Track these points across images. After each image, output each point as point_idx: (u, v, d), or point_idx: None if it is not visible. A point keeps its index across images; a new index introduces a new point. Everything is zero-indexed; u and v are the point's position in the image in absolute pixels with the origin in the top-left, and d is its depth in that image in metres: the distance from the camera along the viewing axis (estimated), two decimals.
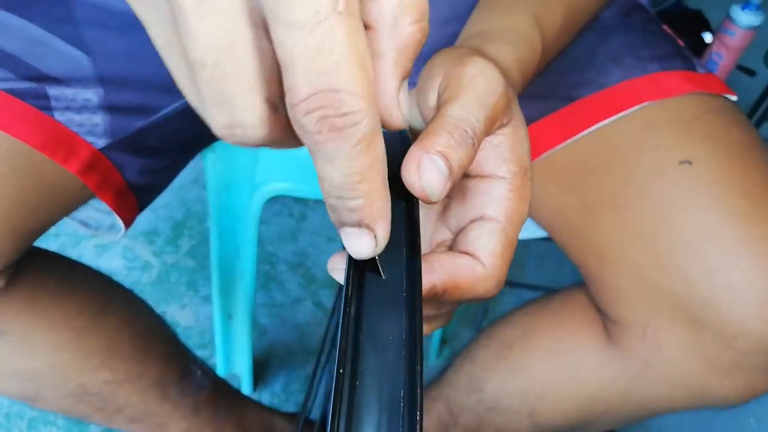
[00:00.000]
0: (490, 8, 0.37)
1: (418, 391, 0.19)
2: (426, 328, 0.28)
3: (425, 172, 0.23)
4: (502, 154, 0.27)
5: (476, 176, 0.28)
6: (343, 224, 0.20)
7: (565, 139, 0.47)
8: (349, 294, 0.22)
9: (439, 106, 0.26)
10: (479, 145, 0.25)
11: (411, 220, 0.24)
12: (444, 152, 0.24)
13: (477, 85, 0.26)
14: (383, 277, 0.22)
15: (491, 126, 0.26)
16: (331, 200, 0.20)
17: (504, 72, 0.30)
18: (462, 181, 0.28)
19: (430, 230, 0.30)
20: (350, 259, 0.23)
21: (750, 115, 1.01)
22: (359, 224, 0.20)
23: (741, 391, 0.44)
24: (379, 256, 0.22)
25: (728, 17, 0.97)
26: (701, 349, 0.43)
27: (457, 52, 0.29)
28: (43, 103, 0.43)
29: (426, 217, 0.30)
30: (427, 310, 0.27)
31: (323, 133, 0.17)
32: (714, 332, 0.42)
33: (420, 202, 0.26)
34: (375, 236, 0.20)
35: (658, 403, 0.49)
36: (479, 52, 0.29)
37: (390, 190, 0.24)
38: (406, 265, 0.23)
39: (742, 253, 0.41)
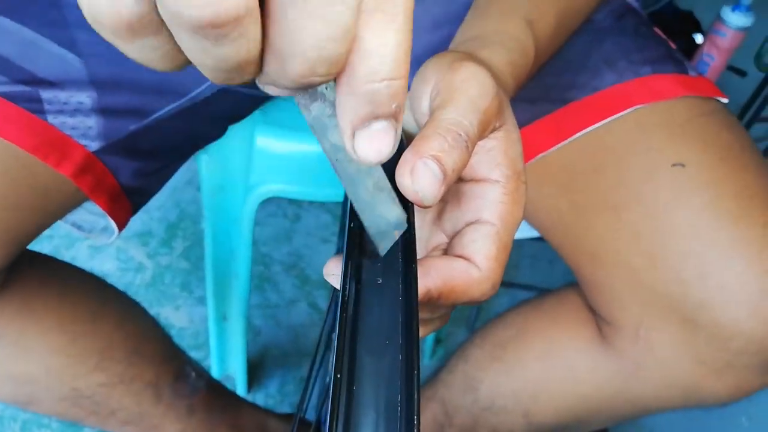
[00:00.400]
0: (483, 13, 0.37)
1: (415, 395, 0.19)
2: (422, 331, 0.28)
3: (419, 177, 0.23)
4: (495, 158, 0.27)
5: (470, 180, 0.28)
6: (379, 117, 0.18)
7: (559, 142, 0.47)
8: (346, 298, 0.22)
9: (432, 111, 0.26)
10: (473, 149, 0.25)
11: (408, 221, 0.25)
12: (438, 156, 0.24)
13: (469, 89, 0.26)
14: (381, 256, 0.22)
15: (484, 130, 0.26)
16: (377, 85, 0.18)
17: (496, 76, 0.31)
18: (456, 185, 0.28)
19: (425, 234, 0.30)
20: (346, 263, 0.23)
21: (741, 115, 1.02)
22: (394, 115, 0.19)
23: (733, 390, 0.45)
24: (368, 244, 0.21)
25: (719, 18, 0.97)
26: (694, 349, 0.44)
27: (449, 57, 0.29)
28: (36, 107, 0.43)
29: (422, 221, 0.30)
30: (422, 314, 0.27)
31: None
32: (707, 333, 0.42)
33: (415, 207, 0.26)
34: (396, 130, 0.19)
35: (651, 402, 0.49)
36: (471, 57, 0.30)
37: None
38: (401, 269, 0.23)
39: (736, 255, 0.41)
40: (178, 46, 0.17)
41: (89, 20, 0.16)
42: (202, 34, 0.15)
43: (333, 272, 0.25)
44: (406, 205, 0.25)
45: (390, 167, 0.25)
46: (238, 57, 0.16)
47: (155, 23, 0.16)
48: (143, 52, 0.17)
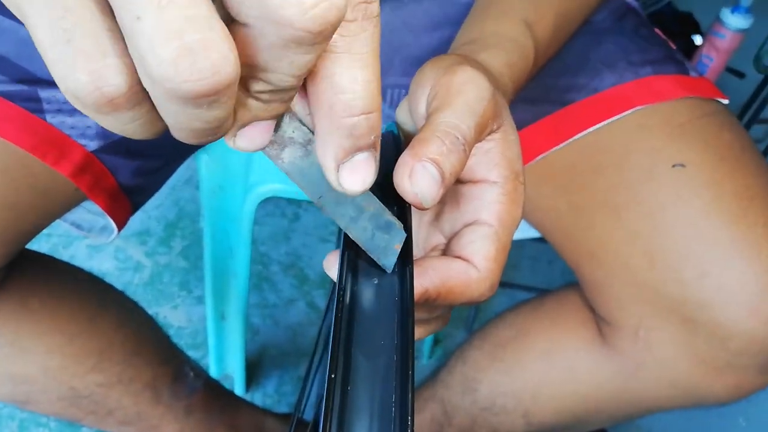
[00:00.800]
0: (482, 15, 0.38)
1: (410, 396, 0.19)
2: (421, 332, 0.28)
3: (418, 179, 0.23)
4: (493, 159, 0.27)
5: (469, 181, 0.28)
6: (360, 149, 0.19)
7: (559, 143, 0.47)
8: (341, 298, 0.22)
9: (430, 114, 0.26)
10: (470, 152, 0.25)
11: (403, 226, 0.25)
12: (436, 159, 0.24)
13: (466, 93, 0.26)
14: (389, 273, 0.22)
15: (481, 132, 0.26)
16: (356, 119, 0.19)
17: (495, 79, 0.31)
18: (455, 187, 0.28)
19: (423, 235, 0.30)
20: (343, 260, 0.23)
21: (740, 116, 1.02)
22: (374, 145, 0.20)
23: (733, 390, 0.45)
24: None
25: (718, 20, 0.98)
26: (694, 349, 0.44)
27: (447, 60, 0.29)
28: (34, 106, 0.43)
29: (419, 222, 0.30)
30: (421, 314, 0.27)
31: (358, 21, 0.18)
32: (707, 333, 0.42)
33: (413, 208, 0.26)
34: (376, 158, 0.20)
35: (651, 402, 0.49)
36: (469, 60, 0.30)
37: (382, 194, 0.24)
38: (398, 269, 0.23)
39: (736, 255, 0.41)
40: (157, 114, 0.17)
41: (66, 95, 0.16)
42: (195, 103, 0.15)
43: (333, 265, 0.25)
44: (402, 206, 0.25)
45: (388, 167, 0.25)
46: (226, 113, 0.17)
47: (139, 96, 0.16)
48: (120, 123, 0.17)
